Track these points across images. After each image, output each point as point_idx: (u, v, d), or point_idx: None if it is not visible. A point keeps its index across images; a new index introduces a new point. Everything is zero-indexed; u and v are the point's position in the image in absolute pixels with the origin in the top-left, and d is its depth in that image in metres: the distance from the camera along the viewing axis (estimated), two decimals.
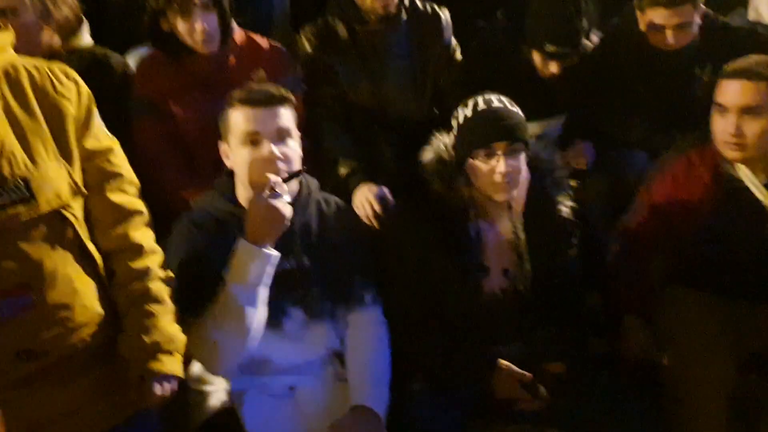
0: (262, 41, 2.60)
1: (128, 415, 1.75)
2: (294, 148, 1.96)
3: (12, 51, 1.69)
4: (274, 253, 1.84)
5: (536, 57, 2.67)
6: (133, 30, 2.70)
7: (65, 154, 1.67)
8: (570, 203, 2.14)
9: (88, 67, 2.37)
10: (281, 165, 1.90)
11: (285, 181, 1.87)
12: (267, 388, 1.98)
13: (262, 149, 1.90)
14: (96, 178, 1.73)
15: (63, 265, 1.63)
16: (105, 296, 1.71)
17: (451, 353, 2.05)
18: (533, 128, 2.78)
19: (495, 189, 2.01)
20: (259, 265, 1.82)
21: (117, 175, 1.76)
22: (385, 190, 2.43)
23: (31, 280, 1.59)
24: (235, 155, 1.95)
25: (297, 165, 1.95)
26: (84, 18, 2.45)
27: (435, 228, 2.05)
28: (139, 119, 2.45)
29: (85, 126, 1.72)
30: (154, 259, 1.77)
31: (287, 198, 1.84)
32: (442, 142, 2.10)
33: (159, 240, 1.86)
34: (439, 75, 2.75)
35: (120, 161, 1.78)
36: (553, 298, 2.11)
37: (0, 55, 1.65)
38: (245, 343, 1.85)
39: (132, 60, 2.62)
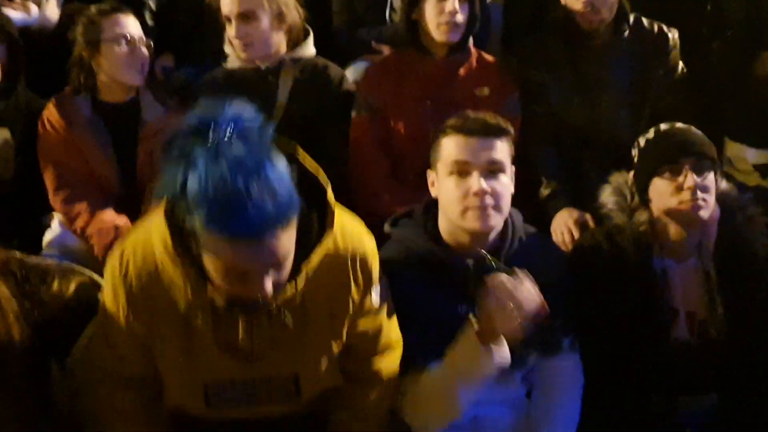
0: (491, 58, 2.62)
1: None
2: (506, 184, 1.82)
3: (338, 232, 1.54)
4: (507, 359, 1.67)
5: None
6: (352, 44, 2.82)
7: (336, 338, 1.63)
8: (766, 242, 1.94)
9: (308, 76, 2.52)
10: (488, 201, 1.77)
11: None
12: None
13: (471, 182, 1.77)
14: (361, 350, 1.69)
15: None
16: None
17: (641, 408, 1.91)
18: (763, 156, 2.54)
19: (683, 208, 1.86)
20: (488, 369, 1.66)
21: (381, 348, 1.71)
22: (587, 217, 2.33)
23: None
24: (441, 185, 1.83)
25: (506, 202, 1.81)
26: (310, 29, 2.60)
27: (617, 265, 1.94)
28: (357, 117, 2.52)
29: (361, 307, 1.63)
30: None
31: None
32: (621, 178, 2.01)
33: None
34: (660, 99, 2.58)
35: (387, 333, 1.70)
36: (754, 347, 1.91)
37: (321, 247, 1.49)
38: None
39: (351, 73, 2.73)
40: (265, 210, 1.24)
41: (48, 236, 2.40)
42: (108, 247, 2.26)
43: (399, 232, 1.91)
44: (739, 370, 1.92)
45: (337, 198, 2.39)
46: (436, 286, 1.81)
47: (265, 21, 2.43)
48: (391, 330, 1.74)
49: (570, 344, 1.90)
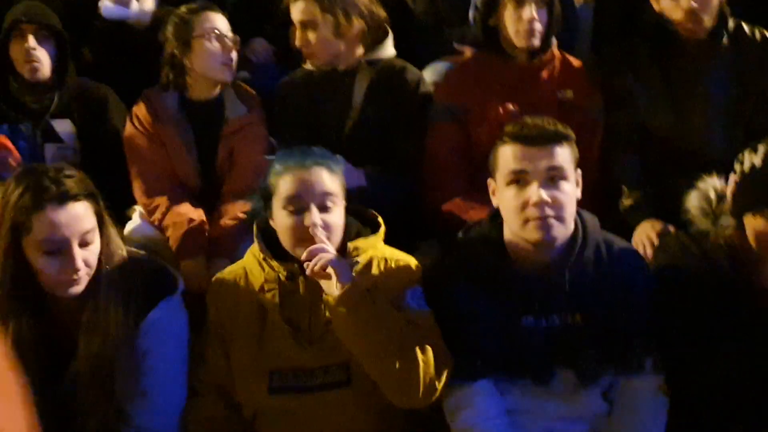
0: (576, 61, 2.55)
1: None
2: (568, 191, 1.76)
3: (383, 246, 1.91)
4: None
5: None
6: (434, 45, 2.79)
7: None
8: None
9: (384, 78, 2.52)
10: (548, 211, 1.72)
11: None
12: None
13: (530, 192, 1.73)
14: None
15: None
16: None
17: None
18: None
19: None
20: None
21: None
22: (671, 229, 2.21)
23: None
24: (501, 194, 1.80)
25: (570, 210, 1.75)
26: (389, 30, 2.58)
27: (709, 278, 1.81)
28: (435, 124, 2.50)
29: (395, 303, 1.80)
30: None
31: None
32: (711, 185, 1.88)
33: None
34: (759, 111, 2.42)
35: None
36: None
37: (372, 249, 1.87)
38: None
39: (431, 74, 2.70)
40: (315, 154, 1.82)
41: (129, 227, 2.48)
42: (182, 239, 2.34)
43: (465, 241, 1.91)
44: None
45: (409, 203, 2.37)
46: (499, 297, 1.78)
47: (324, 31, 2.45)
48: (431, 342, 1.75)
49: (652, 365, 1.80)
